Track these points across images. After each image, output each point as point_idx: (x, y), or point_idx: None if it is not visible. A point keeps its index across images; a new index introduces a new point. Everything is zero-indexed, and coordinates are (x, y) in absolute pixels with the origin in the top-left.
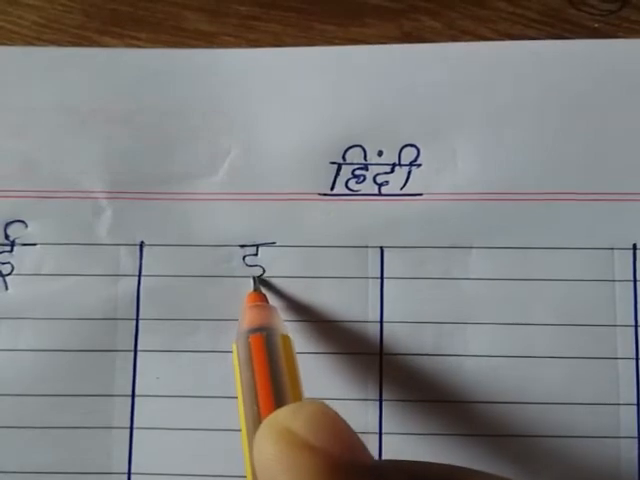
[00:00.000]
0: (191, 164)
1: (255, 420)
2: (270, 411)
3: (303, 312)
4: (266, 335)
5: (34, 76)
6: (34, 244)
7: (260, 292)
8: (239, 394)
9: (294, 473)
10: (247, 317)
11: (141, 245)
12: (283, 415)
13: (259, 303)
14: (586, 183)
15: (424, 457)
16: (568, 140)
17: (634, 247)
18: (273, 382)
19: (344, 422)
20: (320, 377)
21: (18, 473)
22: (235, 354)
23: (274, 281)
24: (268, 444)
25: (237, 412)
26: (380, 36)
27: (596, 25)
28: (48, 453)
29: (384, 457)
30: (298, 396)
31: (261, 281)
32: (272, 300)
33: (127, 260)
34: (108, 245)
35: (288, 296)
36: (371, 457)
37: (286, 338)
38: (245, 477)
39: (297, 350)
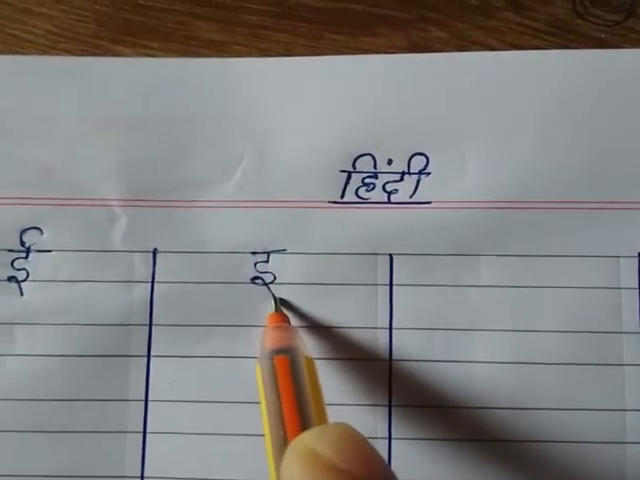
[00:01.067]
0: (204, 172)
1: (281, 442)
2: (296, 433)
3: (313, 318)
4: (290, 357)
5: (49, 85)
6: (49, 251)
7: (282, 313)
8: (264, 415)
9: None
10: (270, 338)
11: (154, 252)
12: (309, 438)
13: (281, 324)
14: (593, 192)
15: (433, 463)
16: (575, 149)
17: (639, 255)
18: (298, 404)
19: (370, 445)
20: (330, 383)
21: (34, 476)
22: (259, 375)
23: (288, 290)
24: (295, 466)
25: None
26: (389, 46)
27: (602, 35)
28: (62, 457)
29: (393, 463)
30: (323, 418)
31: (282, 301)
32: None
33: (141, 267)
34: (122, 252)
35: (299, 303)
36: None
37: (310, 360)
38: None
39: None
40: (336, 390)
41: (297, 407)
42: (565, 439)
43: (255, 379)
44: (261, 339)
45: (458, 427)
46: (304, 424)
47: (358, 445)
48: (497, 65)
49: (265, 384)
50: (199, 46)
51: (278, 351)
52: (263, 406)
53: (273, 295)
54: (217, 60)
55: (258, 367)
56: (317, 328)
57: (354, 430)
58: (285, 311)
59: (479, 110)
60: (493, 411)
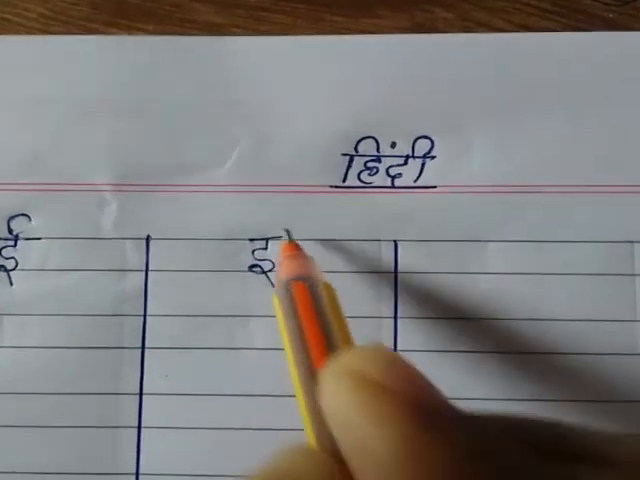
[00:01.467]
0: (199, 155)
1: (307, 368)
2: (322, 358)
3: None
4: (308, 282)
5: (39, 66)
6: (38, 238)
7: (295, 242)
8: (286, 346)
9: (379, 420)
10: (286, 267)
11: (147, 239)
12: (352, 359)
13: (296, 252)
14: (603, 176)
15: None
16: (584, 133)
17: None
18: (321, 328)
19: (414, 366)
20: None
21: (24, 473)
22: (277, 305)
23: None
24: (342, 391)
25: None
26: (392, 27)
27: (611, 15)
28: (54, 453)
29: None
30: (349, 342)
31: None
32: None
33: (133, 255)
34: (114, 239)
35: None
36: (454, 406)
37: (328, 286)
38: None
39: None
40: None
41: (320, 331)
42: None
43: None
44: (277, 271)
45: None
46: (330, 348)
47: (401, 364)
48: (503, 47)
49: (284, 314)
50: (196, 28)
51: (295, 278)
52: (284, 337)
53: (285, 228)
54: (214, 38)
55: (275, 297)
56: None
57: (391, 350)
58: None
59: (485, 93)
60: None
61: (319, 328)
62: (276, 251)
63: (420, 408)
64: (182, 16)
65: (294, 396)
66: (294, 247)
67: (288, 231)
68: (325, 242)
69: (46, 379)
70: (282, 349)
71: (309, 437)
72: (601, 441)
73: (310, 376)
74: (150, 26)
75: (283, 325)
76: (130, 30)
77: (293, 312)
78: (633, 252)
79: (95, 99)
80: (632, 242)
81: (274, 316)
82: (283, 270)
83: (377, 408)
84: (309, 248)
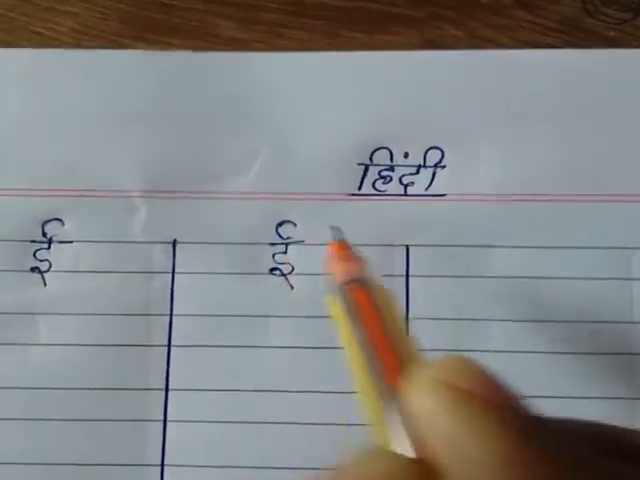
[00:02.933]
0: (223, 164)
1: (376, 373)
2: (391, 362)
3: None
4: (368, 286)
5: (72, 78)
6: (71, 242)
7: (346, 241)
8: (348, 347)
9: (473, 426)
10: (343, 268)
11: (174, 243)
12: (439, 369)
13: (349, 252)
14: (604, 185)
15: None
16: (586, 145)
17: None
18: (385, 331)
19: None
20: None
21: (53, 465)
22: (335, 306)
23: (306, 281)
24: (433, 399)
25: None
26: (403, 43)
27: (611, 33)
28: (83, 446)
29: None
30: (410, 345)
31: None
32: None
33: (161, 258)
34: (142, 243)
35: (316, 294)
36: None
37: (383, 288)
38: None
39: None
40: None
41: (385, 334)
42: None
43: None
44: (330, 270)
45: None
46: (398, 351)
47: (486, 373)
48: (509, 63)
49: (345, 315)
50: (219, 43)
51: (354, 280)
52: (345, 337)
53: (331, 225)
54: (237, 54)
55: (330, 300)
56: None
57: (475, 362)
58: None
59: (493, 106)
60: None
61: (384, 331)
62: (295, 255)
63: (512, 414)
64: (207, 31)
65: (319, 392)
66: (345, 246)
67: (336, 229)
68: None
69: (77, 375)
70: (299, 347)
71: (380, 439)
72: None
73: (381, 380)
74: (176, 41)
75: (344, 326)
76: (157, 44)
77: (355, 314)
78: (630, 258)
79: (126, 110)
80: (630, 248)
81: (293, 316)
82: (340, 272)
83: (470, 415)
84: (323, 252)
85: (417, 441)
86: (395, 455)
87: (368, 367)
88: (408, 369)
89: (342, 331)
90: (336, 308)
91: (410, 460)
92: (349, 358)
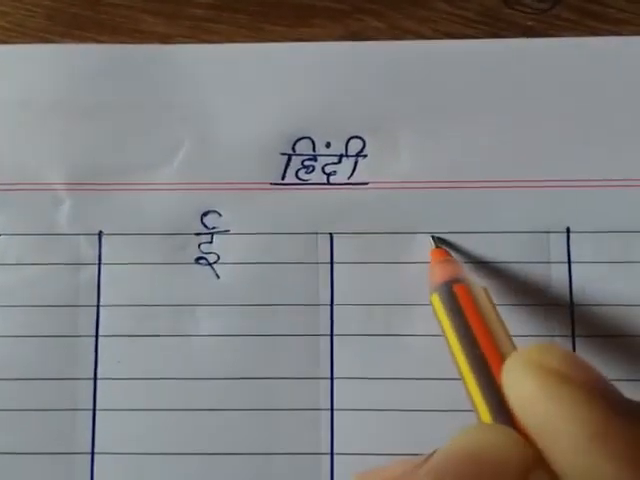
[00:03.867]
0: (146, 156)
1: (480, 362)
2: (494, 353)
3: (258, 296)
4: (470, 285)
5: None
6: None
7: (444, 248)
8: (452, 342)
9: (565, 404)
10: (442, 270)
11: (100, 235)
12: (534, 354)
13: (448, 257)
14: (522, 171)
15: (376, 435)
16: (502, 132)
17: (567, 230)
18: (489, 327)
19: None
20: (265, 358)
21: None
22: (438, 305)
23: (231, 270)
24: (530, 380)
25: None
26: (327, 36)
27: (529, 23)
28: (14, 435)
29: (335, 436)
30: (508, 338)
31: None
32: None
33: (87, 249)
34: (68, 235)
35: (242, 283)
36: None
37: (485, 289)
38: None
39: (245, 333)
40: (277, 364)
41: (488, 329)
42: None
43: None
44: (430, 273)
45: (402, 398)
46: (500, 344)
47: (578, 357)
48: (428, 54)
49: (448, 314)
50: (145, 38)
51: (456, 280)
52: (449, 334)
53: (432, 235)
54: (159, 46)
55: (434, 298)
56: (262, 306)
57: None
58: None
59: (412, 96)
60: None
61: (486, 327)
62: (220, 244)
63: (604, 393)
64: (133, 27)
65: (246, 378)
66: (444, 252)
67: (435, 238)
68: (266, 235)
69: (6, 366)
70: (226, 335)
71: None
72: None
73: (485, 368)
74: (103, 37)
75: (449, 326)
76: (84, 40)
77: (459, 311)
78: (549, 241)
79: (49, 102)
80: (548, 232)
81: (219, 305)
82: (439, 273)
83: (566, 394)
84: (253, 241)
85: (518, 425)
86: (505, 429)
87: (471, 358)
88: (507, 359)
89: (444, 326)
90: (439, 306)
91: (517, 434)
92: (451, 350)
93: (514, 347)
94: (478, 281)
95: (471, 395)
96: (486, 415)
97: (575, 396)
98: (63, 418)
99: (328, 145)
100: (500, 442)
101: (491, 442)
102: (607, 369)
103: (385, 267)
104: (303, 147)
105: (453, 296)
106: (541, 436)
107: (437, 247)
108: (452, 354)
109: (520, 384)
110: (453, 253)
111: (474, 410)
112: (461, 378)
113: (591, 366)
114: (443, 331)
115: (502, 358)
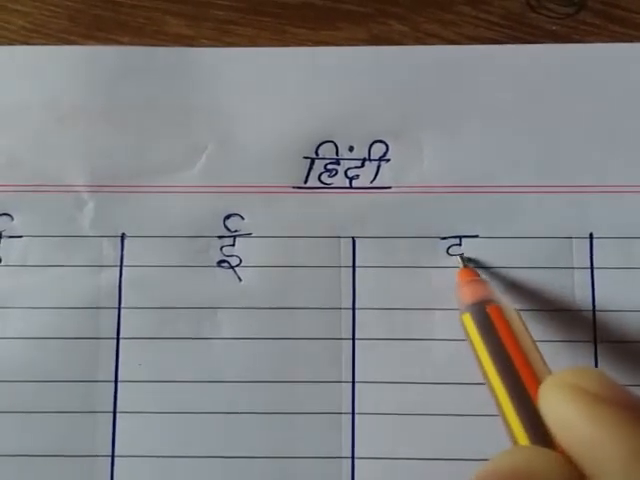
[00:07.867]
0: (170, 158)
1: (517, 384)
2: (530, 375)
3: (280, 299)
4: (503, 307)
5: (17, 74)
6: (20, 236)
7: (473, 268)
8: (485, 363)
9: (608, 426)
10: (473, 290)
11: (122, 237)
12: (572, 376)
13: (477, 278)
14: (545, 177)
15: (392, 442)
16: (525, 137)
17: (590, 236)
18: (523, 348)
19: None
20: (289, 360)
21: (6, 456)
22: (471, 325)
23: (253, 273)
24: (568, 403)
25: (218, 403)
26: (350, 39)
27: (554, 28)
28: (35, 437)
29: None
30: (540, 357)
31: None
32: None
33: (109, 251)
34: (90, 237)
35: (264, 286)
36: None
37: (516, 310)
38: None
39: (266, 336)
40: (299, 368)
41: (525, 353)
42: None
43: None
44: (460, 294)
45: (421, 402)
46: (537, 369)
47: (610, 379)
48: (452, 58)
49: (482, 335)
50: (168, 40)
51: (488, 301)
52: (481, 353)
53: (459, 254)
54: (183, 49)
55: (465, 318)
56: (284, 309)
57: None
58: None
59: (435, 100)
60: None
61: (522, 348)
62: (242, 247)
63: (637, 413)
64: (155, 28)
65: (267, 382)
66: (473, 272)
67: (463, 258)
68: (288, 238)
69: (28, 368)
70: (247, 338)
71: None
72: None
73: (522, 390)
74: (125, 38)
75: (481, 346)
76: (106, 42)
77: (493, 332)
78: (572, 247)
79: (71, 105)
80: (571, 238)
81: (241, 308)
82: (470, 293)
83: (607, 415)
84: (275, 244)
85: (558, 448)
86: (549, 452)
87: (507, 380)
88: (543, 379)
89: (476, 347)
90: (471, 326)
91: (561, 456)
92: (484, 370)
93: (549, 370)
94: (507, 300)
95: (506, 416)
96: (522, 436)
97: (616, 417)
98: (84, 420)
99: (351, 149)
100: (548, 464)
101: (539, 463)
102: (629, 375)
103: (407, 271)
104: (326, 151)
105: (486, 317)
106: (585, 458)
107: (465, 266)
108: (484, 374)
109: (559, 407)
110: (481, 272)
111: (507, 431)
112: (493, 397)
113: (622, 386)
114: (475, 350)
115: (538, 381)
